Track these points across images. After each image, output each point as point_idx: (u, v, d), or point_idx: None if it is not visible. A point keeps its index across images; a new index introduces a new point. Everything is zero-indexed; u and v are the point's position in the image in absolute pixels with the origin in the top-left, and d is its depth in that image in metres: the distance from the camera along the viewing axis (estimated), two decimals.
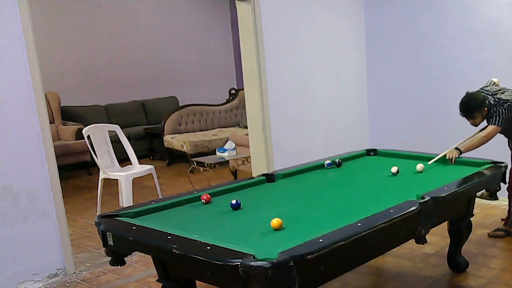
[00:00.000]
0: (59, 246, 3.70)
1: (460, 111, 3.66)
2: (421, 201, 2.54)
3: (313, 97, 5.25)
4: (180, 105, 8.82)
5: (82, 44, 8.11)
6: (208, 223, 2.54)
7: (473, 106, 3.61)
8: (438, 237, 3.89)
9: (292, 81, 5.03)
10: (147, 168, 5.26)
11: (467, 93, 3.70)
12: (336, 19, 5.44)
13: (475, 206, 3.38)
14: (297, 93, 5.09)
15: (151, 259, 2.57)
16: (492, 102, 3.63)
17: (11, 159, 3.45)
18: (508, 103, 3.61)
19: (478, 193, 3.36)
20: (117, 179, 5.07)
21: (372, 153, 4.08)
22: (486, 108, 3.62)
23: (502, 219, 4.25)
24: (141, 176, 5.27)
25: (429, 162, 3.56)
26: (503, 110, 3.59)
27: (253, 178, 3.38)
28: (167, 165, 7.80)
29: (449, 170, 3.43)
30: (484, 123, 3.73)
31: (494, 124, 3.60)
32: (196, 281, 2.50)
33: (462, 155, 3.57)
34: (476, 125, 3.74)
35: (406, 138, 5.33)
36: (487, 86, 3.88)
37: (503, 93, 3.70)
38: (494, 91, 3.72)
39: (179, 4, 9.37)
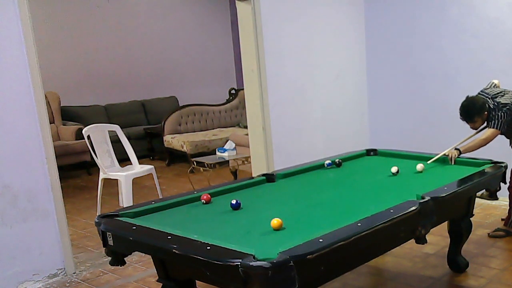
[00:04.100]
0: (59, 246, 3.70)
1: (460, 115, 3.66)
2: (421, 201, 2.54)
3: (313, 97, 5.25)
4: (180, 105, 8.82)
5: (82, 44, 8.11)
6: (208, 223, 2.54)
7: (473, 110, 3.61)
8: (438, 237, 3.89)
9: (292, 81, 5.03)
10: (147, 168, 5.26)
11: (467, 97, 3.70)
12: (336, 19, 5.45)
13: (475, 206, 3.38)
14: (297, 93, 5.09)
15: (151, 259, 2.57)
16: (491, 105, 3.63)
17: (11, 159, 3.46)
18: (507, 107, 3.61)
19: (478, 193, 3.36)
20: (117, 179, 5.07)
21: (372, 153, 4.08)
22: (486, 112, 3.62)
23: (502, 219, 4.25)
24: (141, 176, 5.26)
25: (429, 162, 3.56)
26: (502, 114, 3.59)
27: (253, 178, 3.39)
28: (167, 165, 7.80)
29: (449, 170, 3.43)
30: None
31: (493, 128, 3.61)
32: (196, 281, 2.50)
33: (462, 155, 3.57)
34: (476, 129, 3.74)
35: (406, 138, 5.34)
36: (488, 89, 3.88)
37: (503, 96, 3.70)
38: (494, 94, 3.72)
39: (179, 4, 9.37)
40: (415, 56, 5.37)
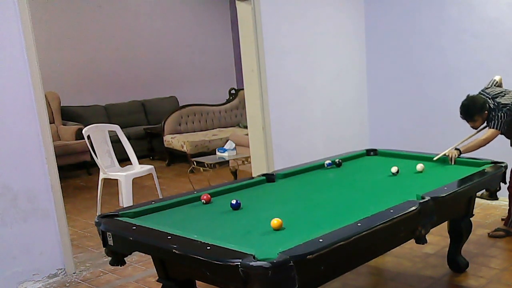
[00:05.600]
0: (59, 246, 3.70)
1: (461, 114, 3.67)
2: (421, 201, 2.54)
3: (313, 97, 5.25)
4: (180, 105, 8.81)
5: (82, 44, 8.11)
6: (208, 223, 2.54)
7: (473, 110, 3.62)
8: (438, 237, 3.89)
9: (292, 81, 5.03)
10: (147, 168, 5.26)
11: (468, 96, 3.70)
12: (336, 19, 5.45)
13: (475, 206, 3.38)
14: (297, 93, 5.09)
15: (151, 259, 2.57)
16: (491, 106, 3.64)
17: (11, 159, 3.45)
18: (508, 107, 3.62)
19: (478, 193, 3.36)
20: (117, 179, 5.07)
21: (372, 153, 4.08)
22: (486, 112, 3.63)
23: (502, 219, 4.25)
24: (141, 176, 5.26)
25: (435, 158, 3.58)
26: (502, 114, 3.60)
27: (253, 178, 3.39)
28: (167, 165, 7.80)
29: (449, 170, 3.43)
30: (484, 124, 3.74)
31: (493, 128, 3.62)
32: (196, 281, 2.50)
33: (462, 155, 3.58)
34: (476, 128, 3.75)
35: (406, 138, 5.34)
36: (488, 88, 3.88)
37: (503, 96, 3.71)
38: (495, 94, 3.73)
39: (179, 4, 9.37)
40: (415, 56, 5.37)
